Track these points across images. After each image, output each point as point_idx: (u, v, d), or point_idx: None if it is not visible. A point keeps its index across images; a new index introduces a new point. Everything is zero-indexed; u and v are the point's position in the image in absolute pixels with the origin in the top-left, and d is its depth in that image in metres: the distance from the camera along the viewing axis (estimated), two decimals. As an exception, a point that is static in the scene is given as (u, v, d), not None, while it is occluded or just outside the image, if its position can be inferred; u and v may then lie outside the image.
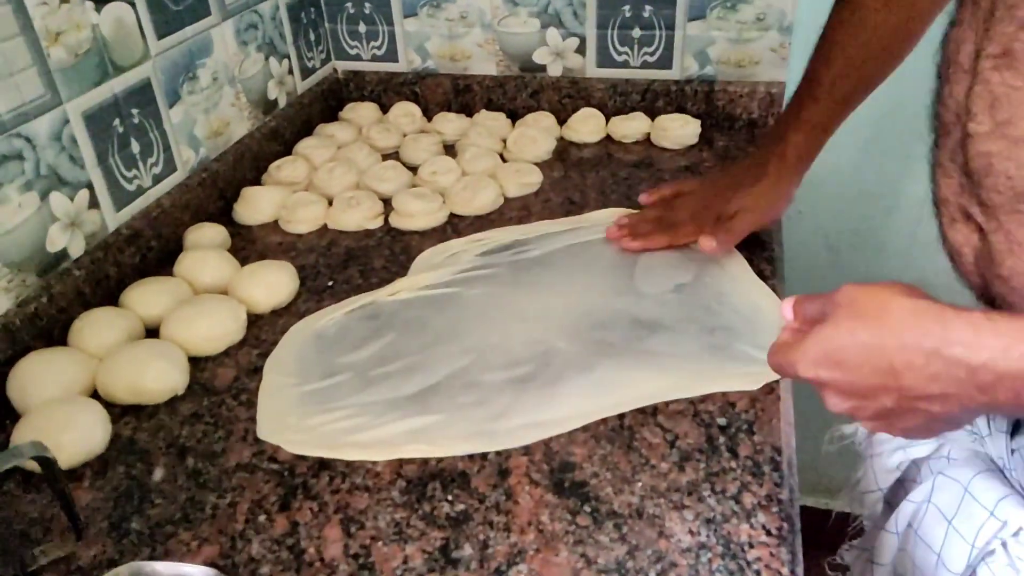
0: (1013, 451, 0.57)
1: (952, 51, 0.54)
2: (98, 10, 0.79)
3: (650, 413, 0.65)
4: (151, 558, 0.56)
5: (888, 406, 0.46)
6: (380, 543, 0.55)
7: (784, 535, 0.53)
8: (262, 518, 0.58)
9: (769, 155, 0.81)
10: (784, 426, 0.62)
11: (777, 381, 0.67)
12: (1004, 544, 0.53)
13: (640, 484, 0.58)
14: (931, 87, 0.58)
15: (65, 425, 0.64)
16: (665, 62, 1.14)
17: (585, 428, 0.64)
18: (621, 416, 0.65)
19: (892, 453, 0.64)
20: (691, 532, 0.54)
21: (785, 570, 0.51)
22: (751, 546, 0.52)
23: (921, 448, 0.62)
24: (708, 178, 0.92)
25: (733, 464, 0.59)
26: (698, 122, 1.11)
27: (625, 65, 1.16)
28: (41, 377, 0.68)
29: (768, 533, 0.53)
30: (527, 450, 0.62)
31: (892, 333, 0.44)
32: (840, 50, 0.75)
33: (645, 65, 1.15)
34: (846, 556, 0.74)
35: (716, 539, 0.53)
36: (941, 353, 0.42)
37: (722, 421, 0.63)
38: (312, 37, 1.20)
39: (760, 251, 0.85)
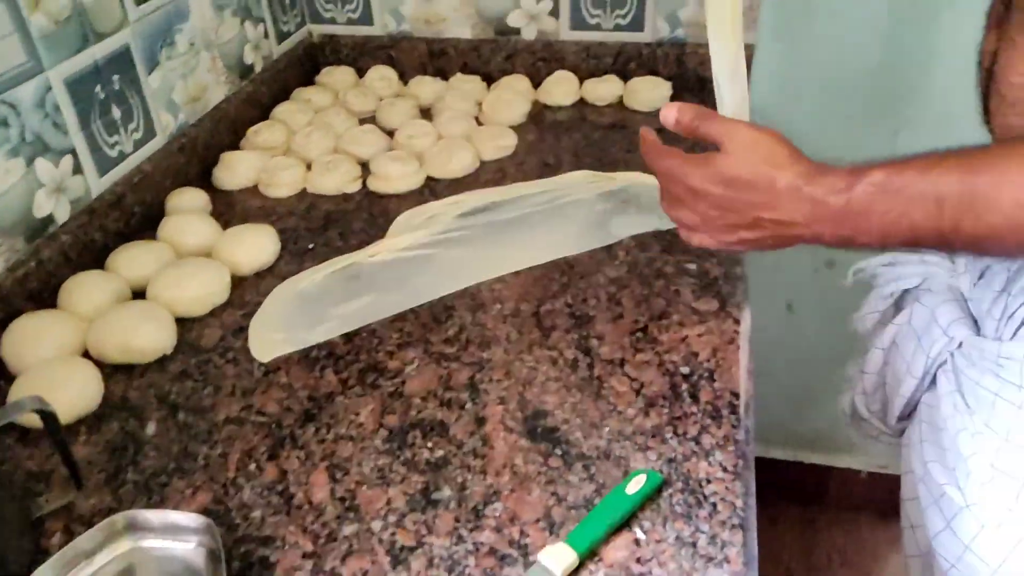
0: (975, 284, 0.67)
1: None
2: (76, -23, 0.81)
3: (618, 364, 0.69)
4: (148, 506, 0.59)
5: (740, 222, 0.59)
6: (364, 487, 0.59)
7: (739, 471, 0.57)
8: (252, 467, 0.62)
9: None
10: (742, 373, 0.66)
11: (737, 331, 0.71)
12: (952, 355, 0.64)
13: (608, 429, 0.62)
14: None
15: (60, 383, 0.67)
16: (637, 24, 1.16)
17: (557, 379, 0.67)
18: (591, 366, 0.68)
19: (887, 284, 0.75)
20: (654, 471, 0.58)
21: (739, 502, 0.55)
22: (708, 481, 0.57)
23: (910, 280, 0.73)
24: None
25: (694, 409, 0.63)
26: (669, 84, 1.14)
27: (598, 28, 1.18)
28: (34, 338, 0.71)
29: (724, 470, 0.58)
30: (502, 400, 0.66)
31: (770, 180, 0.57)
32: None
33: (617, 28, 1.17)
34: (849, 371, 0.82)
35: (677, 476, 0.57)
36: (794, 186, 0.55)
37: (685, 369, 0.67)
38: (287, 0, 1.21)
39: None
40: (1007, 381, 0.59)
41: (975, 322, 0.67)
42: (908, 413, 0.74)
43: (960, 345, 0.65)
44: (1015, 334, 0.60)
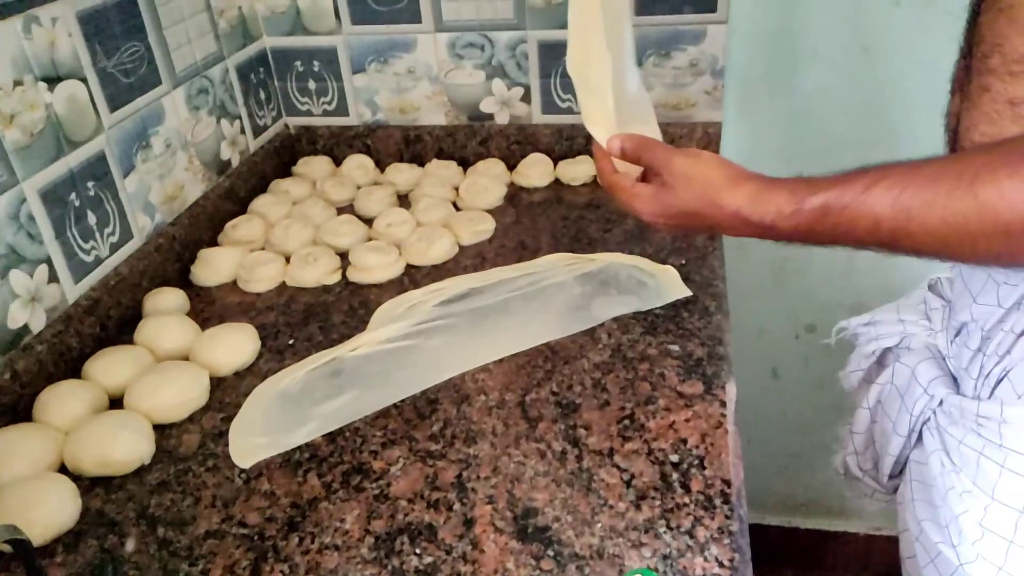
0: (951, 343, 0.70)
1: None
2: (51, 89, 0.81)
3: (607, 454, 0.68)
4: (127, 631, 0.57)
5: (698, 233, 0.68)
6: (352, 600, 0.57)
7: (736, 565, 0.56)
8: (235, 583, 0.60)
9: None
10: (733, 459, 0.66)
11: (724, 415, 0.70)
12: (934, 412, 0.67)
13: (600, 525, 0.61)
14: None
15: (35, 502, 0.65)
16: (607, 106, 1.19)
17: (546, 473, 0.66)
18: (579, 458, 0.67)
19: (868, 343, 0.78)
20: (650, 569, 0.57)
21: (738, 600, 0.54)
22: (706, 579, 0.56)
23: (890, 339, 0.76)
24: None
25: (686, 499, 0.62)
26: (641, 163, 1.16)
27: (569, 111, 1.20)
28: (8, 455, 0.69)
29: (721, 565, 0.56)
30: (491, 499, 0.64)
31: (716, 207, 0.62)
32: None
33: (588, 110, 1.19)
34: (839, 431, 0.84)
35: (673, 574, 0.56)
36: (741, 215, 0.60)
37: (675, 458, 0.67)
38: (262, 96, 1.23)
39: (706, 288, 0.89)
40: (988, 440, 0.60)
41: (954, 380, 0.68)
42: (899, 471, 0.74)
43: (941, 403, 0.66)
44: (992, 393, 0.61)
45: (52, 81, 0.82)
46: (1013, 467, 0.58)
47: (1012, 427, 0.58)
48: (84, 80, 0.86)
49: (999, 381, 0.60)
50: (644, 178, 0.72)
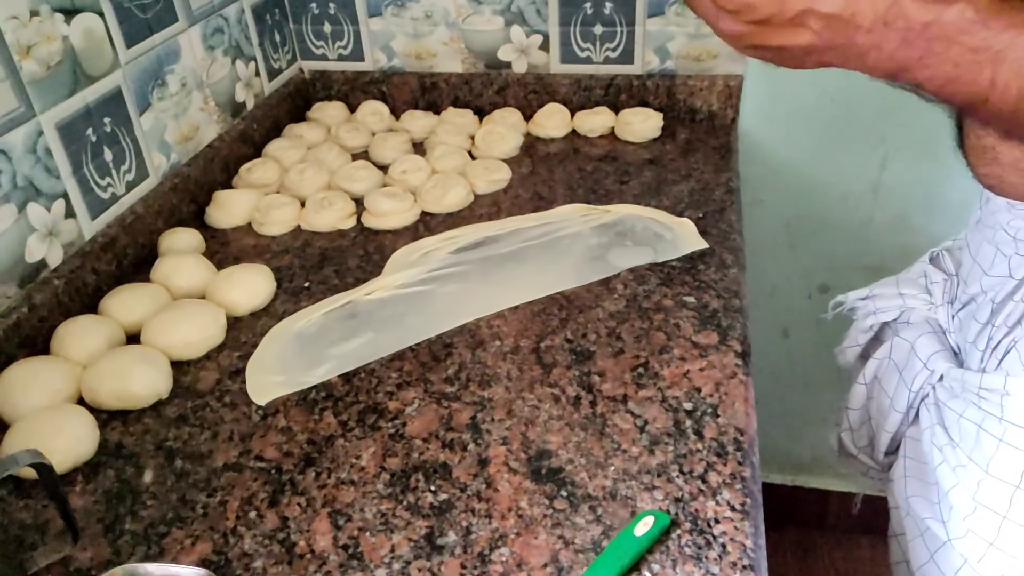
0: (953, 317, 0.69)
1: None
2: (68, 22, 0.80)
3: (621, 400, 0.68)
4: (146, 557, 0.58)
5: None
6: (367, 533, 0.58)
7: (747, 510, 0.57)
8: (252, 514, 0.61)
9: None
10: (746, 408, 0.66)
11: (739, 365, 0.70)
12: (933, 387, 0.66)
13: (613, 468, 0.61)
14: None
15: (54, 432, 0.65)
16: (627, 57, 1.17)
17: (560, 417, 0.67)
18: (593, 404, 0.68)
19: (866, 317, 0.77)
20: (662, 511, 0.57)
21: (749, 542, 0.54)
22: (717, 521, 0.56)
23: (888, 313, 0.75)
24: None
25: (699, 446, 0.63)
26: (660, 115, 1.15)
27: (588, 61, 1.18)
28: (27, 386, 0.70)
29: (732, 508, 0.57)
30: (505, 440, 0.65)
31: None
32: None
33: (607, 60, 1.18)
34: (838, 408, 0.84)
35: (684, 516, 0.57)
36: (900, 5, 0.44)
37: (688, 405, 0.67)
38: (277, 38, 1.21)
39: (723, 241, 0.89)
40: (989, 413, 0.60)
41: (955, 354, 0.67)
42: (895, 448, 0.74)
43: (941, 378, 0.66)
44: (999, 365, 0.61)
45: (68, 13, 0.81)
46: (1011, 440, 0.58)
47: (1014, 399, 0.58)
48: (100, 14, 0.85)
49: (1007, 352, 0.60)
50: None
